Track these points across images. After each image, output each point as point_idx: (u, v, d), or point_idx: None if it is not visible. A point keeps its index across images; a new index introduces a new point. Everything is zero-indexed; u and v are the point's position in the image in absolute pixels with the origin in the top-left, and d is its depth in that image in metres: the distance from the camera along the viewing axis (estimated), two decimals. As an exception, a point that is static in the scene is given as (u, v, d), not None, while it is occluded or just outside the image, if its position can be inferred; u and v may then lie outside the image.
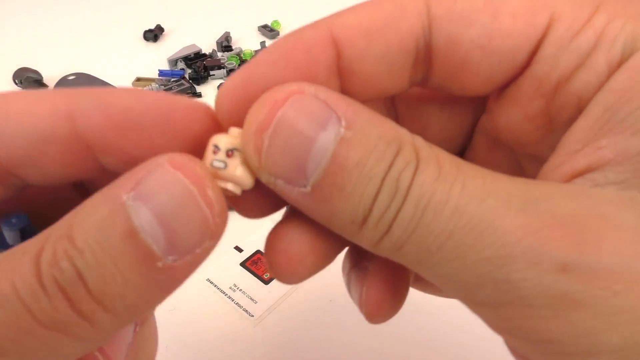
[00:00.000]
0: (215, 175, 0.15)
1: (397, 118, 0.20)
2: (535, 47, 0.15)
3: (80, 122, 0.15)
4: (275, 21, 0.70)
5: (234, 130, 0.15)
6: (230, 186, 0.15)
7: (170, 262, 0.13)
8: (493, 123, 0.18)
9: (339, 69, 0.16)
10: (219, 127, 0.16)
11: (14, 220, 0.17)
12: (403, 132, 0.14)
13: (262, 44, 0.65)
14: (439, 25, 0.15)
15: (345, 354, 0.33)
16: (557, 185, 0.14)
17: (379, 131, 0.14)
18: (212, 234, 0.14)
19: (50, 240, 0.13)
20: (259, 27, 0.70)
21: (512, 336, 0.14)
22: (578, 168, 0.14)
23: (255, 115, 0.14)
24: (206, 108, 0.16)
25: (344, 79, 0.16)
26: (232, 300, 0.36)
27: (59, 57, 0.63)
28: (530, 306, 0.13)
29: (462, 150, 0.20)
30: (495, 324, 0.14)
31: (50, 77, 0.58)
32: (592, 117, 0.14)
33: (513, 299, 0.13)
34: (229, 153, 0.15)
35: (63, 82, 0.56)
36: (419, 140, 0.14)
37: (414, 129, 0.15)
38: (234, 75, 0.16)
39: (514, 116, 0.17)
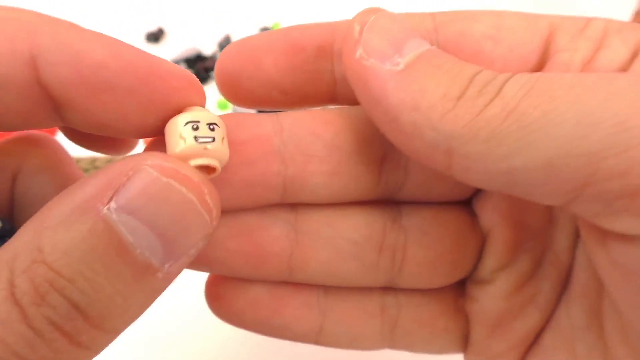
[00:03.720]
0: (194, 154, 0.14)
1: None
2: (544, 42, 0.15)
3: (43, 71, 0.13)
4: (276, 24, 0.71)
5: (199, 108, 0.15)
6: (212, 162, 0.14)
7: (167, 269, 0.13)
8: None
9: (332, 51, 0.17)
10: (203, 101, 0.16)
11: None
12: None
13: (263, 46, 0.65)
14: (447, 25, 0.16)
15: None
16: None
17: None
18: (209, 235, 0.14)
19: (17, 268, 0.11)
20: (260, 29, 0.71)
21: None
22: None
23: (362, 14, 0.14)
24: (192, 78, 0.15)
25: (338, 61, 0.17)
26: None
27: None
28: None
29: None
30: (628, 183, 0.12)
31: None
32: None
33: None
34: (212, 127, 0.14)
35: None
36: None
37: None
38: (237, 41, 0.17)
39: None
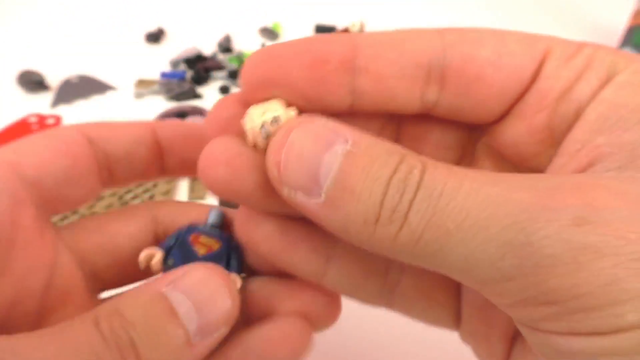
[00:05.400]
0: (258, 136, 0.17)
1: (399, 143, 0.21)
2: (537, 65, 0.18)
3: (160, 135, 0.23)
4: (276, 24, 0.71)
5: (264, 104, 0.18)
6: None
7: (196, 341, 0.17)
8: (497, 141, 0.19)
9: (353, 65, 0.18)
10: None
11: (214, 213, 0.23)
12: (406, 150, 0.16)
13: (263, 45, 0.65)
14: (453, 47, 0.18)
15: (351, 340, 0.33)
16: (562, 174, 0.16)
17: (382, 147, 0.16)
18: (229, 323, 0.18)
19: (101, 315, 0.17)
20: (260, 29, 0.71)
21: (533, 306, 0.14)
22: (580, 165, 0.16)
23: (275, 140, 0.17)
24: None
25: (358, 75, 0.18)
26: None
27: (62, 59, 0.63)
28: (553, 265, 0.14)
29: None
30: (515, 298, 0.15)
31: (53, 79, 0.59)
32: (589, 122, 0.17)
33: (537, 261, 0.14)
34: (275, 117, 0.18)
35: (66, 84, 0.57)
36: (422, 157, 0.16)
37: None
38: (260, 49, 0.19)
39: (519, 130, 0.18)
